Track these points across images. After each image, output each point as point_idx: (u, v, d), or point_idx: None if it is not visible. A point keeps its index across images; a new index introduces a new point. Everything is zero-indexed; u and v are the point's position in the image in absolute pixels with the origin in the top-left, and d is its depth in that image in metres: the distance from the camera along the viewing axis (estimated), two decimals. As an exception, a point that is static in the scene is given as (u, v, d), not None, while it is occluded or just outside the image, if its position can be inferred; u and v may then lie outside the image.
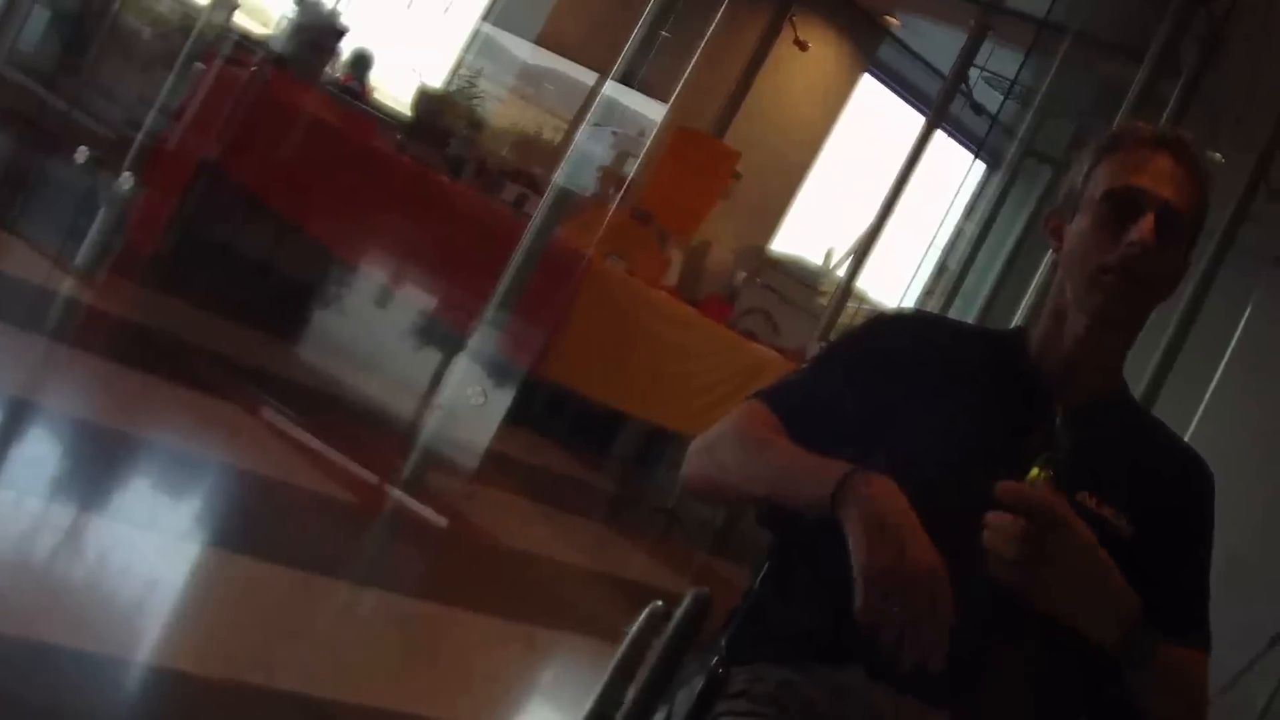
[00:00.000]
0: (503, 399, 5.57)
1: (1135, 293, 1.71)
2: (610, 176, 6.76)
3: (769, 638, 1.72)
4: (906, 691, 1.63)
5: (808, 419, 1.74)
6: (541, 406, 6.11)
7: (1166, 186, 1.69)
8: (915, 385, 1.76)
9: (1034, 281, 6.32)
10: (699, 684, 1.70)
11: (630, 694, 1.75)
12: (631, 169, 6.82)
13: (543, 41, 7.32)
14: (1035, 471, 1.61)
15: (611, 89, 6.55)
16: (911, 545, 1.50)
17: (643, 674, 1.76)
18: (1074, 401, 1.74)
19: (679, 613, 1.77)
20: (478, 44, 7.54)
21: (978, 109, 8.28)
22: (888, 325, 1.95)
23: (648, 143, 6.99)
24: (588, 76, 7.09)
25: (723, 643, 1.72)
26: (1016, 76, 7.65)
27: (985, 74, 8.13)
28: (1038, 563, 1.49)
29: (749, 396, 1.80)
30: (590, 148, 6.67)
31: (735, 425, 1.76)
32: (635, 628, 1.82)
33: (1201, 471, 1.81)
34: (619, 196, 6.61)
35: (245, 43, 5.91)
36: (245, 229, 5.27)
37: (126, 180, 5.06)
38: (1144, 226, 1.67)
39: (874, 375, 1.78)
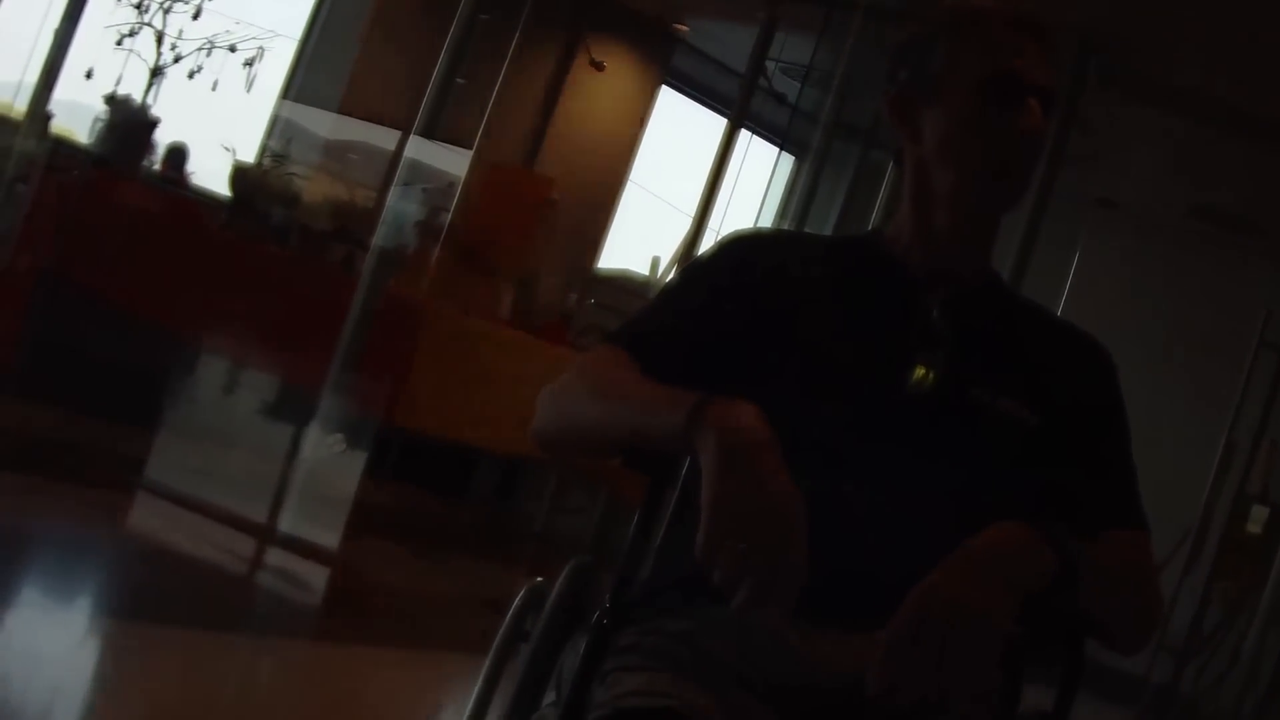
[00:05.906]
0: (361, 453, 5.78)
1: (1029, 181, 1.67)
2: (428, 229, 6.96)
3: (659, 589, 1.59)
4: (825, 624, 1.50)
5: (664, 353, 1.61)
6: (400, 454, 6.31)
7: (1042, 71, 1.64)
8: (779, 302, 1.66)
9: (882, 187, 6.18)
10: (584, 645, 1.56)
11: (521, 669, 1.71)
12: (446, 220, 7.01)
13: (346, 109, 7.42)
14: (920, 371, 1.59)
15: (415, 146, 6.77)
16: (766, 476, 1.36)
17: (527, 649, 1.73)
18: (949, 293, 1.69)
19: (559, 582, 1.74)
20: (279, 126, 7.60)
21: (780, 99, 8.32)
22: (741, 245, 1.78)
23: (457, 192, 7.18)
24: (392, 138, 7.20)
25: (607, 600, 1.56)
26: (812, 61, 7.62)
27: (781, 64, 8.08)
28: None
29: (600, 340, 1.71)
30: (403, 207, 6.86)
31: (582, 370, 1.65)
32: (514, 606, 1.80)
33: (1100, 352, 1.76)
34: (438, 245, 6.82)
35: (63, 149, 6.03)
36: (93, 328, 5.42)
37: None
38: (1035, 115, 1.62)
39: (734, 296, 1.66)
